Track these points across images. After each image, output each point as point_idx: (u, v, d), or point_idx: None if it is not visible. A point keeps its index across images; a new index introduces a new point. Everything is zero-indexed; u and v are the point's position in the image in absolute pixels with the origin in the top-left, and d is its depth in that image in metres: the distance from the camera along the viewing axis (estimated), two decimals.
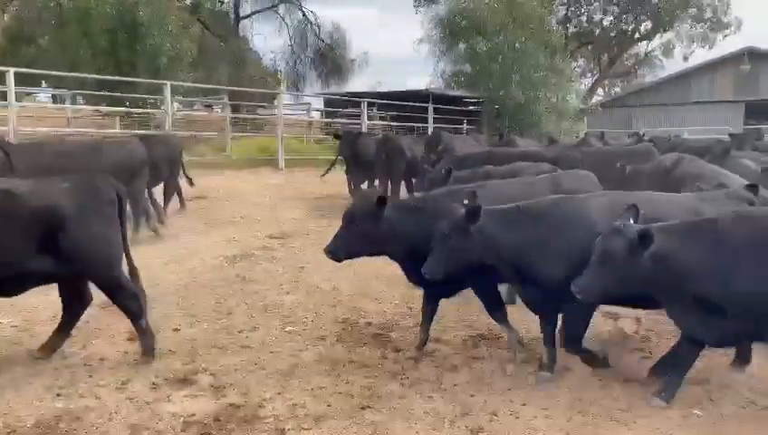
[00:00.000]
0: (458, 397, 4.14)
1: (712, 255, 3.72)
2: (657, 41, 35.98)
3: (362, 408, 3.97)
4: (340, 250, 4.74)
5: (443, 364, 4.71)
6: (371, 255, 4.98)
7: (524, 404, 4.04)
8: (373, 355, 4.87)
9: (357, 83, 36.44)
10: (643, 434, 3.73)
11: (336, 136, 13.52)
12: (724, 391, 4.27)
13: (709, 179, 6.21)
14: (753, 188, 5.02)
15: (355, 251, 4.83)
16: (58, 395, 4.03)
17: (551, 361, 4.46)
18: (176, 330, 5.26)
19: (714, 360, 4.76)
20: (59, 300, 4.65)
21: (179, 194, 10.42)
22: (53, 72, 16.97)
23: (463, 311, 5.66)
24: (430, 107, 22.18)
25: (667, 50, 36.04)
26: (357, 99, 21.86)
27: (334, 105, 26.47)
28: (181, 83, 17.86)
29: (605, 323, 5.46)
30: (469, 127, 23.70)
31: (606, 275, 3.79)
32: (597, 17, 35.81)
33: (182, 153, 10.41)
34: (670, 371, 4.17)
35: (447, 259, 4.20)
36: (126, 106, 17.64)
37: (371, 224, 4.65)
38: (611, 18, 35.54)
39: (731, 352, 4.62)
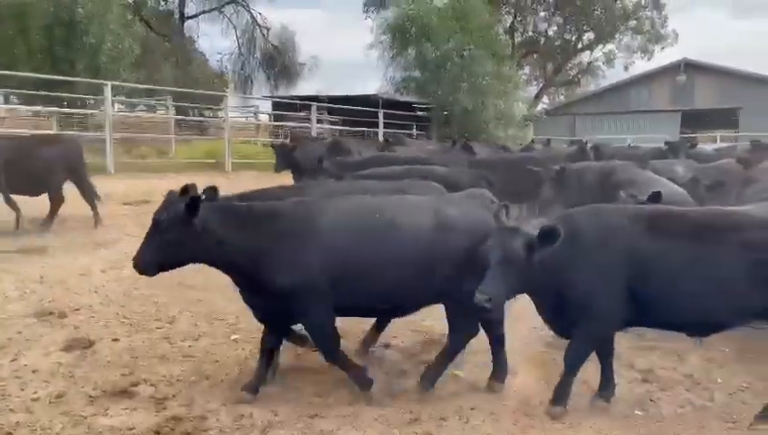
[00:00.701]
0: (408, 403, 4.11)
1: (569, 250, 3.68)
2: (600, 51, 37.39)
3: (311, 416, 3.90)
4: None
5: (392, 370, 4.69)
6: None
7: (473, 408, 4.05)
8: (322, 362, 4.79)
9: (306, 87, 36.31)
10: (587, 434, 3.79)
11: (272, 146, 13.41)
12: (664, 392, 4.41)
13: (640, 185, 6.55)
14: (657, 195, 5.22)
15: None
16: None
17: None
18: (115, 340, 5.04)
19: (655, 362, 4.92)
20: None
21: (56, 205, 8.89)
22: None
23: (411, 316, 5.63)
24: (380, 112, 22.24)
25: (609, 60, 37.42)
26: (306, 102, 21.70)
27: (283, 108, 26.18)
28: (123, 84, 17.30)
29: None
30: (419, 132, 23.85)
31: (509, 277, 3.60)
32: (542, 27, 36.97)
33: (82, 155, 9.34)
34: (564, 371, 4.02)
35: (160, 251, 3.84)
36: (64, 106, 16.94)
37: None
38: (555, 28, 36.72)
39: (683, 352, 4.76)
